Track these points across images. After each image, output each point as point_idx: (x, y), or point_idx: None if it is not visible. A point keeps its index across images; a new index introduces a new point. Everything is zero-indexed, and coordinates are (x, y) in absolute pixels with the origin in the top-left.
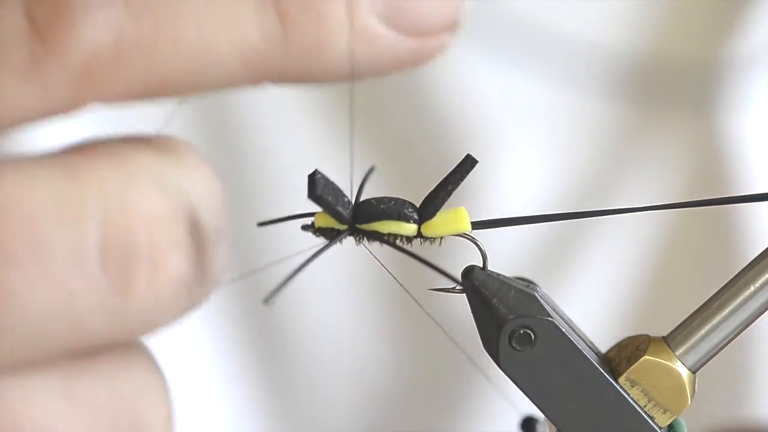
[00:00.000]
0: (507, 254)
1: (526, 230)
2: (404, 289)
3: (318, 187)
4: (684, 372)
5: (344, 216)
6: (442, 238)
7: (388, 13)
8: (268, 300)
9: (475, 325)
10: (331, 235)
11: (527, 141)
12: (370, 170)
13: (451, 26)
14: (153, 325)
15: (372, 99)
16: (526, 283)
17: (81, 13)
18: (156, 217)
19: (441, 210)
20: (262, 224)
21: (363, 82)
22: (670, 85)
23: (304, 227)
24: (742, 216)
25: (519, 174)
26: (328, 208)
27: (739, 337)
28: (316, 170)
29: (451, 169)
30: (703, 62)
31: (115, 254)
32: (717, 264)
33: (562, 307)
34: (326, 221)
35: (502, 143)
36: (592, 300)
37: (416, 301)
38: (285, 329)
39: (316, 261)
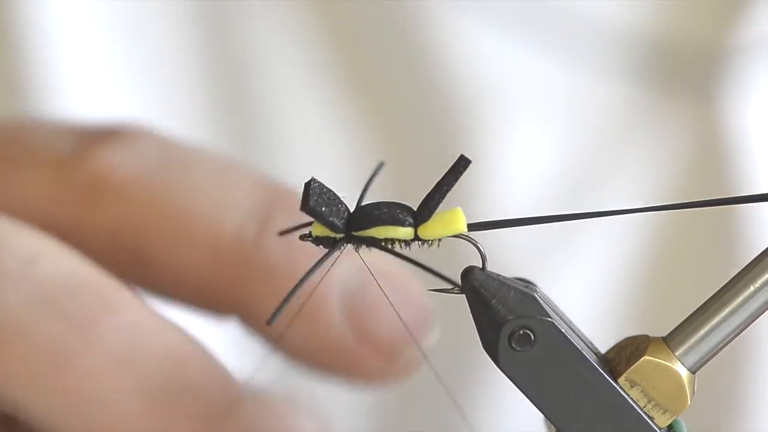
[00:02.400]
0: (506, 254)
1: (525, 229)
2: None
3: (311, 198)
4: (684, 372)
5: (338, 226)
6: (440, 240)
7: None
8: (271, 321)
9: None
10: (330, 244)
11: (530, 116)
12: (379, 166)
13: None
14: None
15: (377, 69)
16: (525, 283)
17: (106, 143)
18: None
19: (437, 212)
20: (283, 233)
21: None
22: (675, 69)
23: (302, 237)
24: (743, 215)
25: (522, 148)
26: (321, 219)
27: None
28: (312, 179)
29: (447, 169)
30: (708, 48)
31: None
32: (717, 264)
33: (561, 307)
34: (323, 231)
35: (507, 119)
36: (592, 300)
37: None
38: None
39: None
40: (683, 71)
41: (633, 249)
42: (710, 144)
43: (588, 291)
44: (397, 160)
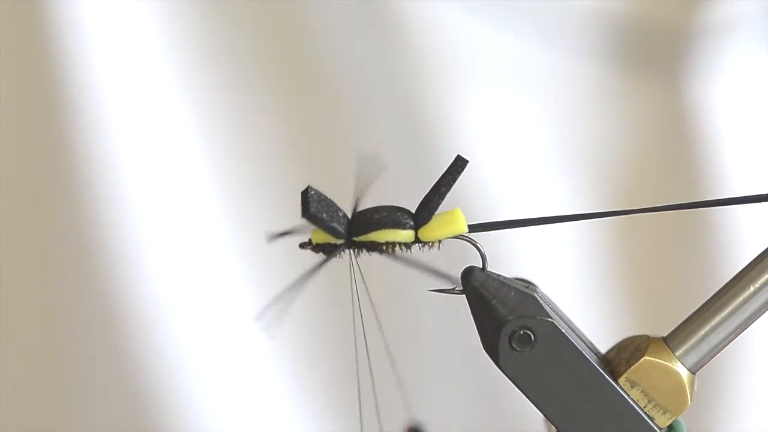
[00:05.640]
0: (505, 255)
1: (525, 230)
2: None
3: (311, 205)
4: (684, 373)
5: (339, 231)
6: (440, 241)
7: None
8: (259, 317)
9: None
10: (330, 250)
11: (499, 96)
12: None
13: None
14: None
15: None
16: (525, 283)
17: None
18: None
19: (436, 213)
20: (275, 237)
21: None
22: (642, 49)
23: (302, 245)
24: (743, 215)
25: (490, 127)
26: (323, 225)
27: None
28: (309, 186)
29: (444, 170)
30: (675, 28)
31: None
32: (717, 263)
33: (561, 307)
34: (323, 237)
35: (475, 99)
36: (592, 300)
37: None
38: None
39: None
40: (650, 51)
41: (632, 249)
42: (677, 123)
43: (588, 291)
44: (366, 143)
